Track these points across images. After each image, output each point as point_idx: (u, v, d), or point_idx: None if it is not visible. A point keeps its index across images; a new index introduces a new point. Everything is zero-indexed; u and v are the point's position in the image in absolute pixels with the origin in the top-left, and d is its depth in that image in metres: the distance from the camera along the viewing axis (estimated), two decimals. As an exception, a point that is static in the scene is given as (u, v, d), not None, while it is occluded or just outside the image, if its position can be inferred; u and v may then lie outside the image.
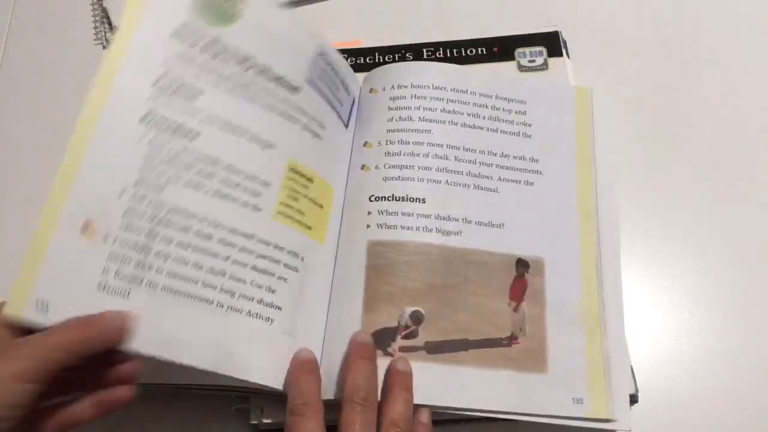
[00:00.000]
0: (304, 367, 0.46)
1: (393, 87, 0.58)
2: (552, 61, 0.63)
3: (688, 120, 0.61)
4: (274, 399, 0.47)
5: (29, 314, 0.40)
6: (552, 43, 0.63)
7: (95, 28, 0.71)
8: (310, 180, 0.52)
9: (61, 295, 0.41)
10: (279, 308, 0.47)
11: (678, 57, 0.65)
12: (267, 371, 0.45)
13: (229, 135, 0.48)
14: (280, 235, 0.49)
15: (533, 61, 0.63)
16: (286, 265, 0.48)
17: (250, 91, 0.50)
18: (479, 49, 0.64)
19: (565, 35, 0.64)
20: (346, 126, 0.57)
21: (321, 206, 0.52)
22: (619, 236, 0.53)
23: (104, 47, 0.69)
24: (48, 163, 0.64)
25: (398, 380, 0.45)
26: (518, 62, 0.63)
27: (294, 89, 0.52)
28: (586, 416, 0.46)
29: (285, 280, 0.48)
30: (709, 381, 0.50)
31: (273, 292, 0.47)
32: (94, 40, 0.70)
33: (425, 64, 0.61)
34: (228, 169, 0.47)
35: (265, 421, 0.48)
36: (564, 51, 0.63)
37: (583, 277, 0.51)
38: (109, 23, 0.69)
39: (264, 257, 0.47)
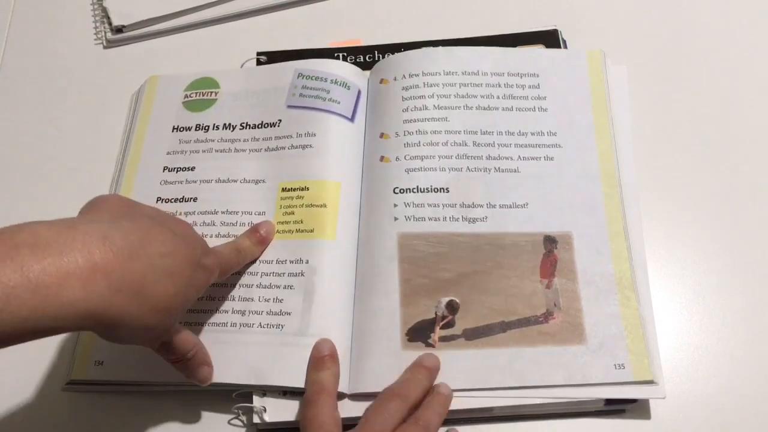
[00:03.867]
0: (318, 365, 0.47)
1: (404, 76, 0.58)
2: (552, 59, 0.63)
3: (689, 117, 0.61)
4: (277, 399, 0.48)
5: (90, 372, 0.50)
6: (551, 42, 0.63)
7: (95, 28, 0.71)
8: (304, 189, 0.54)
9: (113, 354, 0.50)
10: (288, 314, 0.50)
11: (677, 55, 0.65)
12: (283, 373, 0.48)
13: (222, 188, 0.56)
14: (281, 250, 0.53)
15: (533, 59, 0.63)
16: (290, 274, 0.52)
17: (235, 147, 0.58)
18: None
19: (564, 34, 0.64)
20: (351, 120, 0.58)
21: (324, 206, 0.54)
22: (640, 201, 0.53)
23: (104, 47, 0.69)
24: (48, 163, 0.64)
25: (438, 399, 0.46)
26: (518, 60, 0.63)
27: (274, 124, 0.58)
28: (630, 380, 0.47)
29: (291, 287, 0.51)
30: (709, 381, 0.50)
31: (280, 301, 0.51)
32: (94, 40, 0.70)
33: (434, 49, 0.61)
34: (226, 213, 0.55)
35: (267, 420, 0.48)
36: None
37: (611, 245, 0.51)
38: (110, 23, 0.69)
39: (267, 274, 0.52)
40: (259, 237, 0.52)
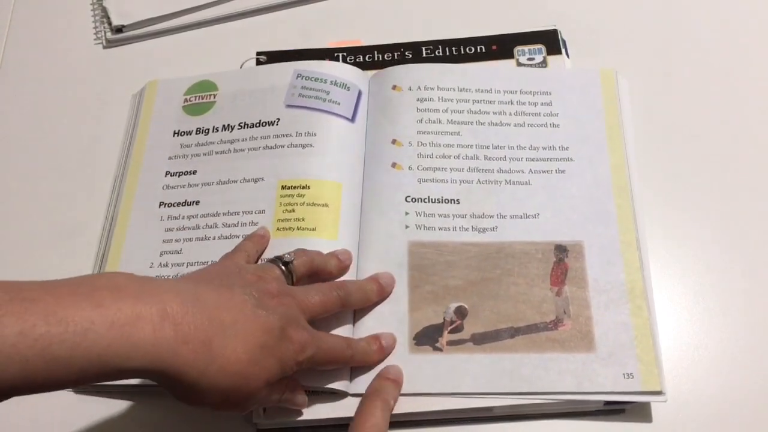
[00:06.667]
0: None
1: (419, 87, 0.59)
2: (551, 59, 0.63)
3: (689, 117, 0.61)
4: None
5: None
6: (551, 41, 0.64)
7: (95, 28, 0.71)
8: (305, 187, 0.55)
9: None
10: None
11: (677, 56, 0.65)
12: None
13: (222, 190, 0.57)
14: (282, 247, 0.52)
15: (532, 59, 0.63)
16: None
17: (233, 147, 0.59)
18: (478, 47, 0.64)
19: (564, 34, 0.64)
20: (352, 120, 0.58)
21: (326, 205, 0.54)
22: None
23: (104, 47, 0.69)
24: (48, 163, 0.64)
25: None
26: (517, 60, 0.63)
27: (273, 122, 0.59)
28: (638, 390, 0.47)
29: None
30: (709, 381, 0.50)
31: None
32: (94, 40, 0.70)
33: (449, 66, 0.62)
34: (227, 215, 0.55)
35: (267, 420, 0.48)
36: (563, 49, 0.63)
37: (624, 255, 0.52)
38: (109, 23, 0.69)
39: None
40: (379, 346, 0.49)
